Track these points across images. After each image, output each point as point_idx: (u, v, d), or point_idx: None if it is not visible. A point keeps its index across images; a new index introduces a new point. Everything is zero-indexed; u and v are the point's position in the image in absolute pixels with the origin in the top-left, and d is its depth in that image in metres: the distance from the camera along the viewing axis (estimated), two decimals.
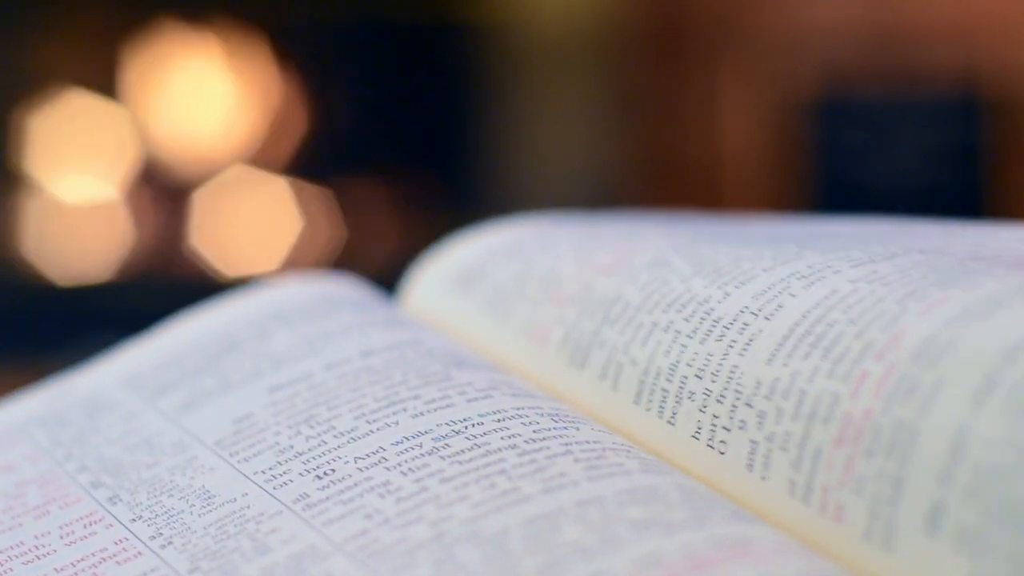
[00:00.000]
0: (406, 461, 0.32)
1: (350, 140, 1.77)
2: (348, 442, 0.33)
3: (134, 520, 0.33)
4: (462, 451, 0.32)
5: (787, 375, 0.31)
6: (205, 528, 0.32)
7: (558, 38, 1.70)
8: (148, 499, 0.34)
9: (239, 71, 1.74)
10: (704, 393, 0.33)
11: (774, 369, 0.31)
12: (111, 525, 0.33)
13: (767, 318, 0.32)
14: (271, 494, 0.32)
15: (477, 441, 0.32)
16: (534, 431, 0.33)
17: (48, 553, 0.33)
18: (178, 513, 0.33)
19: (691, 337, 0.34)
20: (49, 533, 0.34)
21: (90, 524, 0.33)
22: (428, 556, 0.29)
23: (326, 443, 0.33)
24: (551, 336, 0.38)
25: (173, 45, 1.72)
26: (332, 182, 1.75)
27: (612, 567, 0.27)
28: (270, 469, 0.33)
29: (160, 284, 1.68)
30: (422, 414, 0.34)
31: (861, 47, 1.69)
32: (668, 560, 0.27)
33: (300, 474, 0.33)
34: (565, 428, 0.33)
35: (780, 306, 0.33)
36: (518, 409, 0.34)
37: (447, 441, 0.32)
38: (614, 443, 0.32)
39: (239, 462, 0.34)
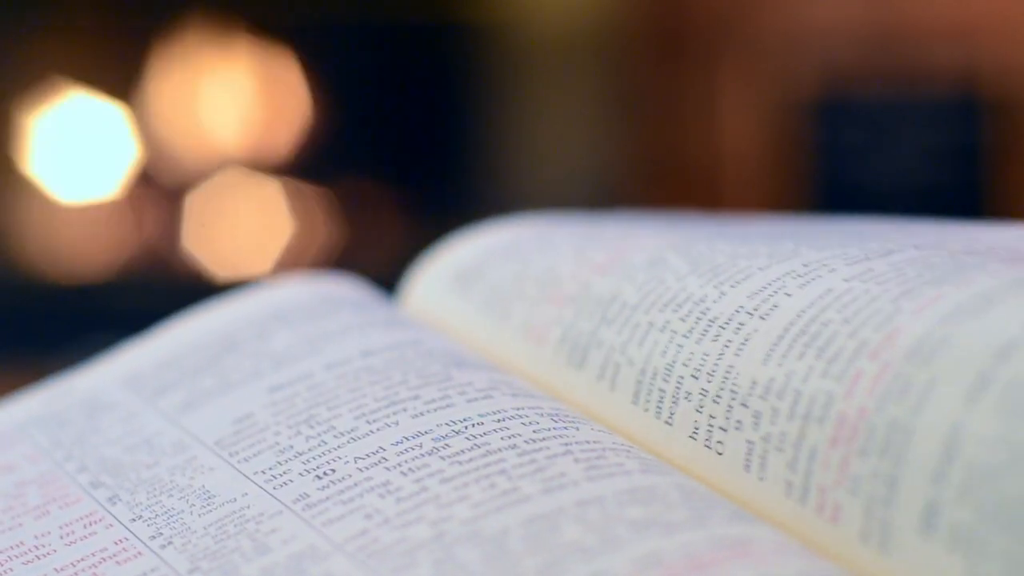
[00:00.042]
0: (406, 461, 0.32)
1: (350, 140, 1.77)
2: (348, 442, 0.33)
3: (134, 520, 0.33)
4: (462, 451, 0.32)
5: (782, 375, 0.31)
6: (205, 528, 0.32)
7: (558, 38, 1.70)
8: (148, 499, 0.34)
9: (238, 71, 1.74)
10: (700, 393, 0.33)
11: (769, 369, 0.31)
12: (111, 525, 0.33)
13: (762, 318, 0.32)
14: (271, 494, 0.32)
15: (477, 441, 0.32)
16: (534, 431, 0.33)
17: (48, 553, 0.33)
18: (178, 513, 0.33)
19: (687, 337, 0.34)
20: (49, 533, 0.33)
21: (90, 524, 0.33)
22: (428, 556, 0.29)
23: (326, 443, 0.33)
24: (549, 336, 0.38)
25: (172, 45, 1.72)
26: (332, 182, 1.75)
27: (612, 567, 0.27)
28: (270, 469, 0.33)
29: (160, 284, 1.68)
30: (422, 414, 0.34)
31: (861, 47, 1.69)
32: (668, 560, 0.27)
33: (300, 474, 0.33)
34: (565, 428, 0.33)
35: (775, 306, 0.33)
36: (518, 409, 0.34)
37: (447, 441, 0.32)
38: (614, 443, 0.32)
39: (239, 462, 0.34)
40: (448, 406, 0.34)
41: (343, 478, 0.32)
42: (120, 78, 1.71)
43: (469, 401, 0.34)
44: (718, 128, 1.75)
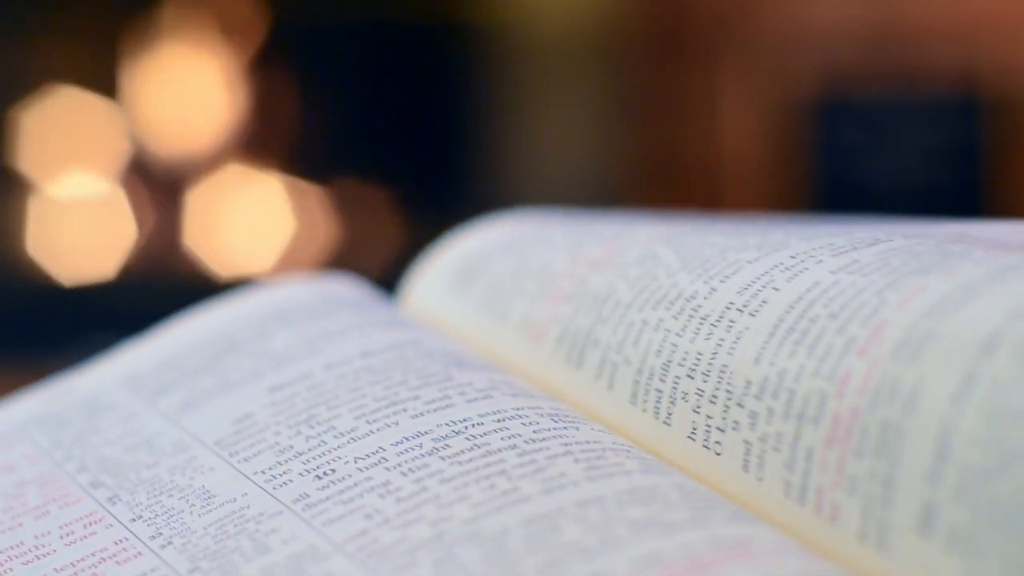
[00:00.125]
0: (406, 461, 0.32)
1: (350, 140, 1.77)
2: (348, 442, 0.33)
3: (134, 520, 0.33)
4: (462, 451, 0.32)
5: (775, 374, 0.31)
6: (205, 528, 0.32)
7: (558, 38, 1.70)
8: (148, 499, 0.34)
9: (236, 70, 1.74)
10: (697, 393, 0.33)
11: (762, 368, 0.31)
12: (111, 525, 0.33)
13: (752, 314, 0.32)
14: (271, 494, 0.32)
15: (477, 441, 0.32)
16: (534, 431, 0.33)
17: (48, 553, 0.33)
18: (178, 513, 0.33)
19: (680, 336, 0.34)
20: (49, 533, 0.34)
21: (90, 524, 0.33)
22: (428, 556, 0.29)
23: (326, 443, 0.33)
24: (548, 334, 0.38)
25: (170, 43, 1.72)
26: (332, 182, 1.75)
27: (612, 567, 0.27)
28: (270, 469, 0.33)
29: (160, 284, 1.68)
30: (422, 414, 0.34)
31: (861, 47, 1.69)
32: (668, 560, 0.27)
33: (300, 474, 0.33)
34: (565, 428, 0.33)
35: (764, 301, 0.32)
36: (518, 409, 0.34)
37: (447, 441, 0.32)
38: (614, 443, 0.32)
39: (239, 462, 0.34)
40: (448, 406, 0.34)
41: (343, 478, 0.32)
42: (117, 76, 1.71)
43: (469, 401, 0.34)
44: (718, 128, 1.75)
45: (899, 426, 0.28)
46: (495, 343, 0.39)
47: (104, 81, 1.71)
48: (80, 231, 1.72)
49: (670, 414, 0.33)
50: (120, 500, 0.34)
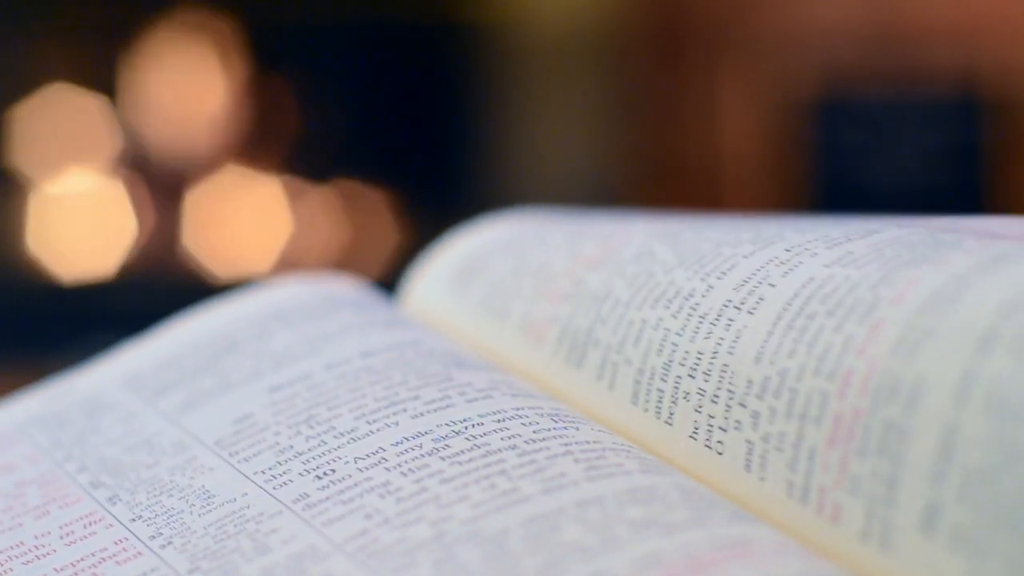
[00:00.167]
0: (406, 461, 0.32)
1: (350, 140, 1.77)
2: (348, 442, 0.33)
3: (134, 520, 0.33)
4: (462, 451, 0.32)
5: (775, 374, 0.31)
6: (205, 528, 0.32)
7: (558, 38, 1.70)
8: (148, 499, 0.34)
9: (236, 70, 1.74)
10: (698, 393, 0.33)
11: (762, 368, 0.31)
12: (111, 525, 0.33)
13: (750, 312, 0.32)
14: (271, 494, 0.32)
15: (477, 442, 0.32)
16: (534, 431, 0.33)
17: (48, 553, 0.33)
18: (178, 513, 0.33)
19: (680, 335, 0.34)
20: (49, 533, 0.33)
21: (90, 524, 0.33)
22: (428, 556, 0.29)
23: (326, 443, 0.33)
24: (547, 334, 0.38)
25: (170, 43, 1.72)
26: (332, 182, 1.75)
27: (612, 567, 0.27)
28: (270, 469, 0.33)
29: (160, 284, 1.68)
30: (422, 414, 0.34)
31: (861, 47, 1.69)
32: (668, 560, 0.27)
33: (300, 474, 0.33)
34: (565, 428, 0.33)
35: (761, 298, 0.32)
36: (518, 409, 0.34)
37: (447, 441, 0.32)
38: (614, 443, 0.32)
39: (239, 462, 0.34)
40: (448, 406, 0.34)
41: (343, 478, 0.32)
42: (117, 76, 1.71)
43: (469, 401, 0.34)
44: (718, 128, 1.75)
45: (901, 426, 0.28)
46: (495, 343, 0.39)
47: (104, 81, 1.71)
48: (80, 231, 1.72)
49: (672, 414, 0.33)
50: (120, 500, 0.34)
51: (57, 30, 1.71)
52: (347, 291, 0.43)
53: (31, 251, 1.71)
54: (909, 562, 0.27)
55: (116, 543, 0.32)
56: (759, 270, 0.33)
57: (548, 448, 0.32)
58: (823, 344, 0.30)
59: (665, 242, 0.37)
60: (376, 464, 0.32)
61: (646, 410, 0.34)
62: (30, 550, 0.33)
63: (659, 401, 0.34)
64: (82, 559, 0.32)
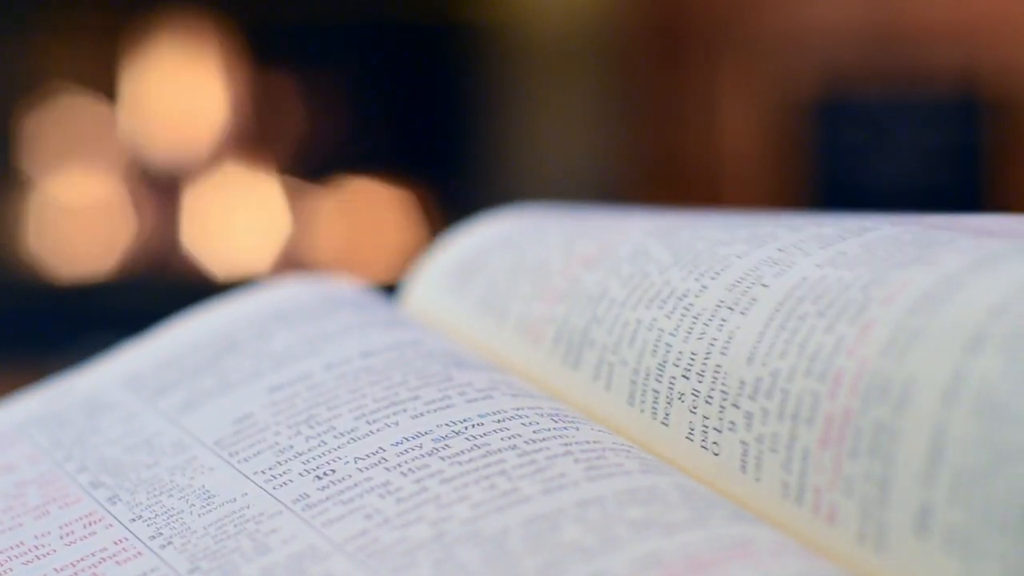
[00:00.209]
0: (406, 462, 0.32)
1: (351, 140, 1.77)
2: (348, 442, 0.33)
3: (134, 520, 0.33)
4: (462, 452, 0.32)
5: (767, 375, 0.31)
6: (205, 528, 0.32)
7: (558, 38, 1.70)
8: (148, 499, 0.34)
9: (236, 69, 1.74)
10: (693, 394, 0.33)
11: (754, 369, 0.31)
12: (111, 525, 0.33)
13: (742, 313, 0.32)
14: (271, 494, 0.32)
15: (477, 442, 0.32)
16: (534, 431, 0.33)
17: (48, 553, 0.33)
18: (178, 513, 0.33)
19: (674, 335, 0.34)
20: (49, 533, 0.33)
21: (90, 524, 0.33)
22: (428, 556, 0.29)
23: (326, 443, 0.33)
24: (544, 335, 0.38)
25: (170, 43, 1.72)
26: (332, 182, 1.75)
27: (612, 567, 0.27)
28: (270, 469, 0.33)
29: (160, 284, 1.68)
30: (422, 415, 0.34)
31: (861, 47, 1.69)
32: (668, 560, 0.27)
33: (300, 474, 0.33)
34: (565, 428, 0.33)
35: (754, 299, 0.32)
36: (518, 410, 0.34)
37: (447, 442, 0.32)
38: (614, 443, 0.32)
39: (239, 462, 0.34)
40: (448, 407, 0.34)
41: (343, 478, 0.32)
42: (117, 76, 1.71)
43: (469, 402, 0.34)
44: (718, 128, 1.75)
45: (891, 427, 0.28)
46: (495, 343, 0.39)
47: (104, 81, 1.71)
48: (80, 231, 1.72)
49: (668, 415, 0.33)
50: (120, 500, 0.34)
51: (57, 30, 1.71)
52: (347, 291, 0.43)
53: (31, 251, 1.71)
54: (905, 563, 0.27)
55: (116, 543, 0.32)
56: (752, 270, 0.33)
57: (548, 448, 0.32)
58: (814, 345, 0.30)
59: (661, 240, 0.37)
60: (376, 464, 0.32)
61: (642, 411, 0.34)
62: (30, 550, 0.33)
63: (655, 402, 0.34)
64: (82, 559, 0.32)
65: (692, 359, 0.33)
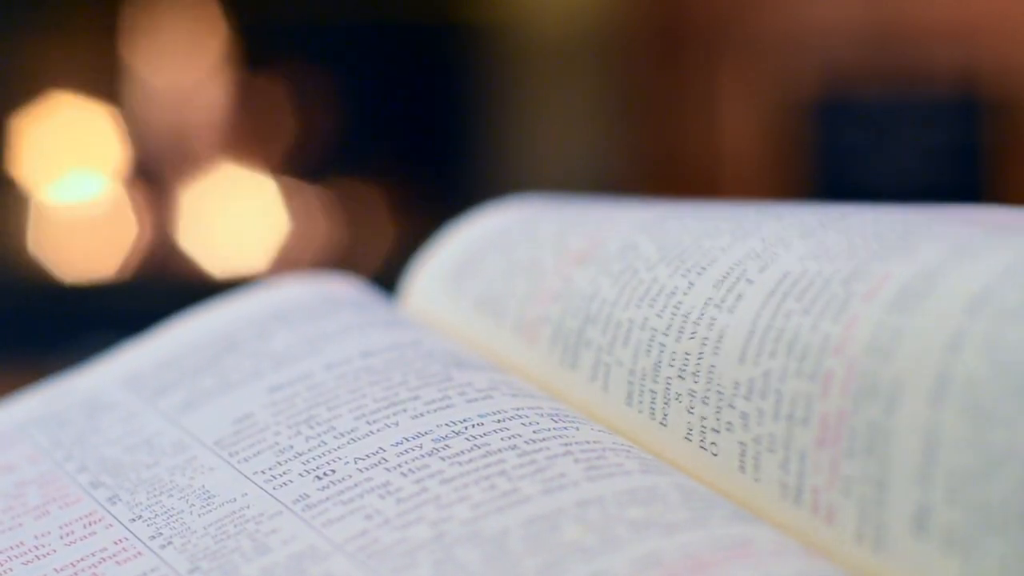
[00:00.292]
0: (406, 462, 0.32)
1: (350, 139, 1.77)
2: (348, 443, 0.33)
3: (134, 520, 0.33)
4: (462, 452, 0.32)
5: (760, 375, 0.31)
6: (205, 528, 0.32)
7: (558, 38, 1.70)
8: (148, 499, 0.34)
9: (233, 69, 1.74)
10: (689, 394, 0.33)
11: (747, 369, 0.31)
12: (111, 525, 0.33)
13: (730, 311, 0.32)
14: (271, 494, 0.32)
15: (477, 442, 0.32)
16: (534, 432, 0.33)
17: (48, 553, 0.33)
18: (178, 513, 0.33)
19: (667, 335, 0.34)
20: (49, 533, 0.33)
21: (90, 524, 0.33)
22: (428, 556, 0.29)
23: (326, 443, 0.33)
24: (541, 335, 0.38)
25: (167, 44, 1.72)
26: (332, 182, 1.75)
27: (612, 567, 0.27)
28: (270, 469, 0.33)
29: (160, 284, 1.68)
30: (422, 415, 0.34)
31: (861, 47, 1.69)
32: (668, 560, 0.27)
33: (300, 474, 0.33)
34: (565, 428, 0.33)
35: (740, 296, 0.32)
36: (518, 410, 0.34)
37: (447, 442, 0.32)
38: (614, 443, 0.32)
39: (239, 462, 0.34)
40: (448, 407, 0.34)
41: (343, 479, 0.32)
42: (114, 78, 1.71)
43: (469, 402, 0.34)
44: (718, 128, 1.75)
45: (884, 427, 0.28)
46: (494, 343, 0.39)
47: (102, 82, 1.71)
48: (80, 231, 1.72)
49: (666, 415, 0.33)
50: (120, 500, 0.34)
51: (55, 33, 1.71)
52: (347, 291, 0.43)
53: (31, 251, 1.71)
54: (904, 563, 0.27)
55: (116, 543, 0.32)
56: (736, 265, 0.33)
57: (548, 448, 0.32)
58: (802, 344, 0.30)
59: (648, 234, 0.37)
60: (376, 464, 0.32)
61: (640, 411, 0.34)
62: (30, 550, 0.33)
63: (652, 403, 0.34)
64: (82, 559, 0.32)
65: (686, 359, 0.33)
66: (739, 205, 0.38)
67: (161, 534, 0.32)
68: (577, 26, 1.70)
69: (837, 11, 1.70)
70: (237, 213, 1.73)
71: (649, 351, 0.34)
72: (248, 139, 1.74)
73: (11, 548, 0.33)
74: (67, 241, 1.72)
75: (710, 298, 0.33)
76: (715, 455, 0.32)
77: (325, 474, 0.32)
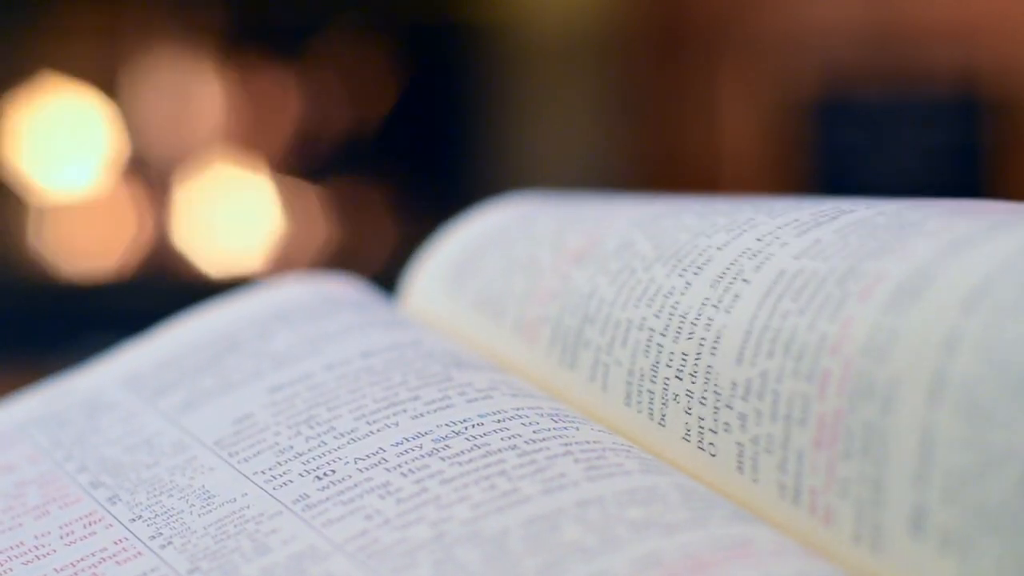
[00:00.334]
0: (406, 462, 0.32)
1: (350, 139, 1.77)
2: (348, 443, 0.33)
3: (134, 520, 0.33)
4: (462, 452, 0.32)
5: (757, 375, 0.31)
6: (205, 528, 0.32)
7: (558, 38, 1.70)
8: (148, 499, 0.34)
9: (231, 69, 1.73)
10: (687, 395, 0.33)
11: (744, 369, 0.31)
12: (111, 525, 0.33)
13: (727, 311, 0.32)
14: (271, 494, 0.32)
15: (477, 442, 0.32)
16: (534, 432, 0.33)
17: (48, 553, 0.33)
18: (178, 513, 0.33)
19: (664, 335, 0.34)
20: (49, 533, 0.33)
21: (90, 524, 0.33)
22: (428, 556, 0.29)
23: (326, 444, 0.33)
24: (540, 335, 0.38)
25: (166, 42, 1.72)
26: (332, 182, 1.75)
27: (612, 567, 0.27)
28: (270, 469, 0.33)
29: (160, 284, 1.68)
30: (422, 415, 0.34)
31: (861, 47, 1.69)
32: (668, 560, 0.27)
33: (300, 475, 0.33)
34: (565, 428, 0.33)
35: (736, 296, 0.32)
36: (518, 410, 0.34)
37: (447, 442, 0.32)
38: (614, 443, 0.32)
39: (239, 462, 0.34)
40: (448, 407, 0.34)
41: (343, 479, 0.32)
42: (114, 75, 1.71)
43: (469, 402, 0.34)
44: (718, 128, 1.75)
45: (880, 427, 0.28)
46: (494, 343, 0.39)
47: (102, 81, 1.71)
48: (80, 230, 1.72)
49: (664, 416, 0.33)
50: (120, 500, 0.34)
51: (54, 30, 1.71)
52: (348, 291, 0.43)
53: (31, 251, 1.71)
54: (902, 564, 0.27)
55: (116, 543, 0.32)
56: (732, 264, 0.33)
57: (548, 448, 0.32)
58: (798, 344, 0.30)
59: (644, 232, 0.37)
60: (376, 465, 0.32)
61: (639, 412, 0.34)
62: (30, 550, 0.33)
63: (651, 403, 0.34)
64: (82, 559, 0.32)
65: (684, 359, 0.33)
66: (734, 200, 0.38)
67: (161, 534, 0.32)
68: (577, 26, 1.70)
69: (837, 11, 1.70)
70: (237, 213, 1.73)
71: (647, 351, 0.34)
72: (248, 138, 1.74)
73: (11, 548, 0.33)
74: (66, 239, 1.72)
75: (707, 298, 0.33)
76: (713, 456, 0.32)
77: (325, 474, 0.32)
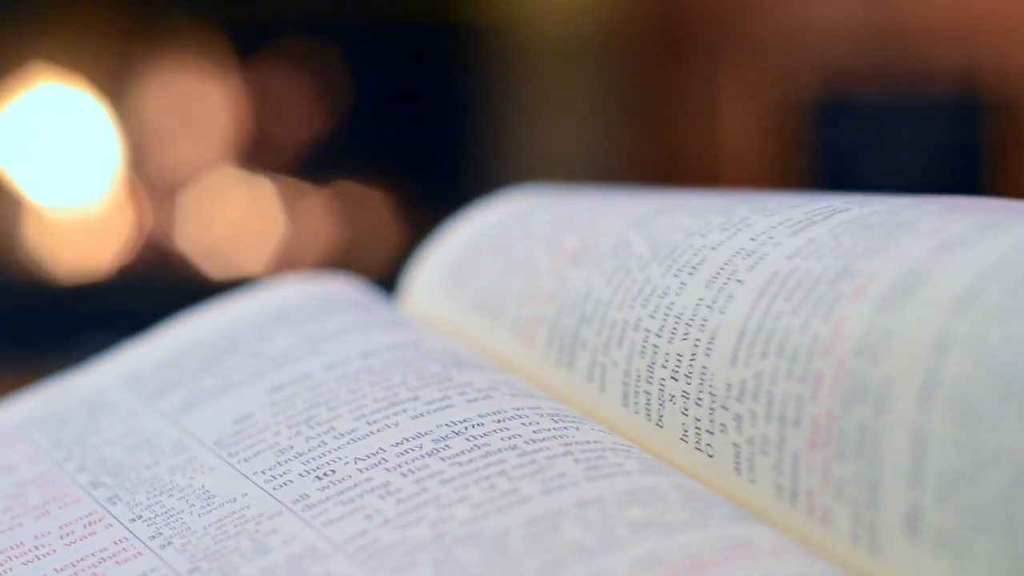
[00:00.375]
0: (406, 462, 0.32)
1: (350, 140, 1.77)
2: (348, 443, 0.33)
3: (134, 520, 0.33)
4: (462, 452, 0.32)
5: (751, 376, 0.31)
6: (205, 528, 0.32)
7: (558, 38, 1.70)
8: (148, 499, 0.34)
9: (233, 70, 1.73)
10: (683, 396, 0.32)
11: (738, 370, 0.31)
12: (111, 525, 0.33)
13: (721, 312, 0.32)
14: (271, 494, 0.32)
15: (477, 442, 0.32)
16: (534, 432, 0.33)
17: (48, 553, 0.33)
18: (178, 513, 0.33)
19: (660, 336, 0.34)
20: (49, 533, 0.33)
21: (90, 524, 0.33)
22: (428, 557, 0.29)
23: (326, 444, 0.33)
24: (538, 335, 0.38)
25: (167, 44, 1.72)
26: (332, 182, 1.75)
27: (612, 567, 0.27)
28: (270, 469, 0.33)
29: (160, 284, 1.68)
30: (422, 415, 0.34)
31: (861, 47, 1.69)
32: (668, 560, 0.27)
33: (300, 475, 0.33)
34: (565, 428, 0.33)
35: (731, 296, 0.32)
36: (518, 410, 0.34)
37: (447, 442, 0.32)
38: (614, 443, 0.32)
39: (239, 462, 0.34)
40: (448, 407, 0.34)
41: (343, 479, 0.32)
42: (116, 77, 1.71)
43: (469, 402, 0.34)
44: (718, 128, 1.75)
45: (874, 428, 0.27)
46: (494, 343, 0.39)
47: (103, 82, 1.71)
48: (79, 230, 1.72)
49: (661, 416, 0.33)
50: (120, 500, 0.34)
51: (55, 31, 1.71)
52: (348, 291, 0.43)
53: (31, 251, 1.71)
54: (899, 564, 0.27)
55: (116, 543, 0.32)
56: (726, 264, 0.33)
57: (548, 448, 0.32)
58: (792, 345, 0.30)
59: (640, 231, 0.37)
60: (376, 465, 0.32)
61: (637, 412, 0.34)
62: (30, 550, 0.33)
63: (648, 404, 0.34)
64: (82, 559, 0.32)
65: (679, 360, 0.33)
66: (729, 196, 0.38)
67: (161, 534, 0.32)
68: (577, 26, 1.70)
69: (837, 11, 1.70)
70: (238, 214, 1.73)
71: (643, 352, 0.34)
72: (249, 140, 1.74)
73: (11, 548, 0.33)
74: (67, 241, 1.72)
75: (701, 299, 0.33)
76: (711, 456, 0.32)
77: (325, 474, 0.32)
